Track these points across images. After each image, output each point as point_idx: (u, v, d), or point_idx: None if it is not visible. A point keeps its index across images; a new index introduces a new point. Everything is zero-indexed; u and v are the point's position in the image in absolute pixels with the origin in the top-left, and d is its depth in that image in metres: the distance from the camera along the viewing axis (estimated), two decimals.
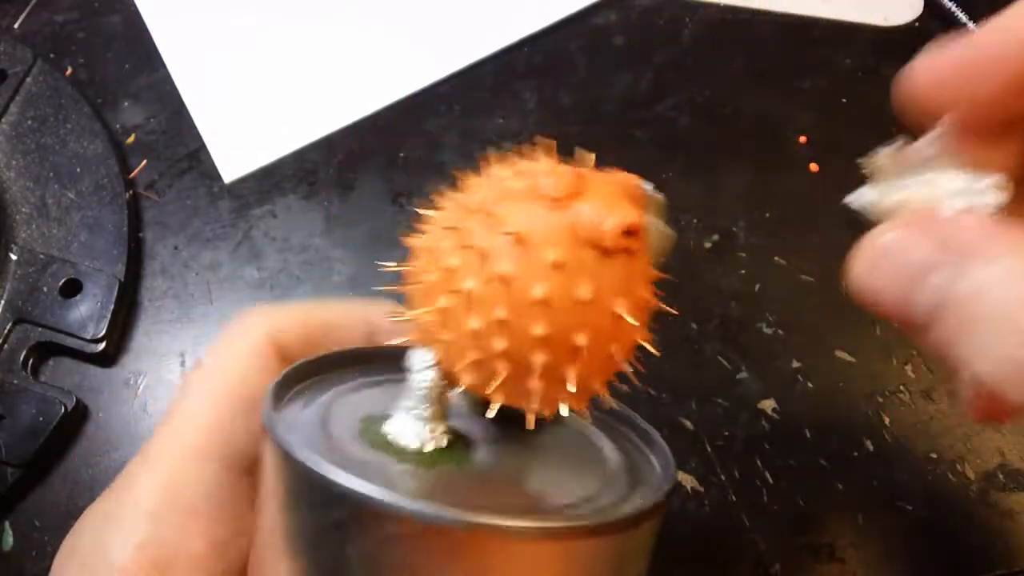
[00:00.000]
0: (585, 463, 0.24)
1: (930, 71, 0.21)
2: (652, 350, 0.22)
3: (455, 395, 0.23)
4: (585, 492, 0.22)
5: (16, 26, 0.50)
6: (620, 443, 0.27)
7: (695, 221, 0.43)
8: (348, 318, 0.28)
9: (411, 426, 0.23)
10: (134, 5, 0.51)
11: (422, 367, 0.22)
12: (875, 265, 0.20)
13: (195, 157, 0.46)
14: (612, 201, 0.21)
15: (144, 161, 0.46)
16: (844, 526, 0.36)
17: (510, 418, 0.23)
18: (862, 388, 0.39)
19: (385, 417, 0.24)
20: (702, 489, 0.37)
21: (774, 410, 0.39)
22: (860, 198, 0.21)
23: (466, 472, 0.23)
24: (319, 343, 0.27)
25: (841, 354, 0.40)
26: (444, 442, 0.23)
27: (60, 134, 0.45)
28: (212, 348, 0.27)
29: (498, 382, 0.21)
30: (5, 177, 0.44)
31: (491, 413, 0.22)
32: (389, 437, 0.23)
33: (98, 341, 0.39)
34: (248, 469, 0.24)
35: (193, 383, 0.26)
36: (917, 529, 0.36)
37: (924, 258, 0.19)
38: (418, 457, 0.23)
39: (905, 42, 0.49)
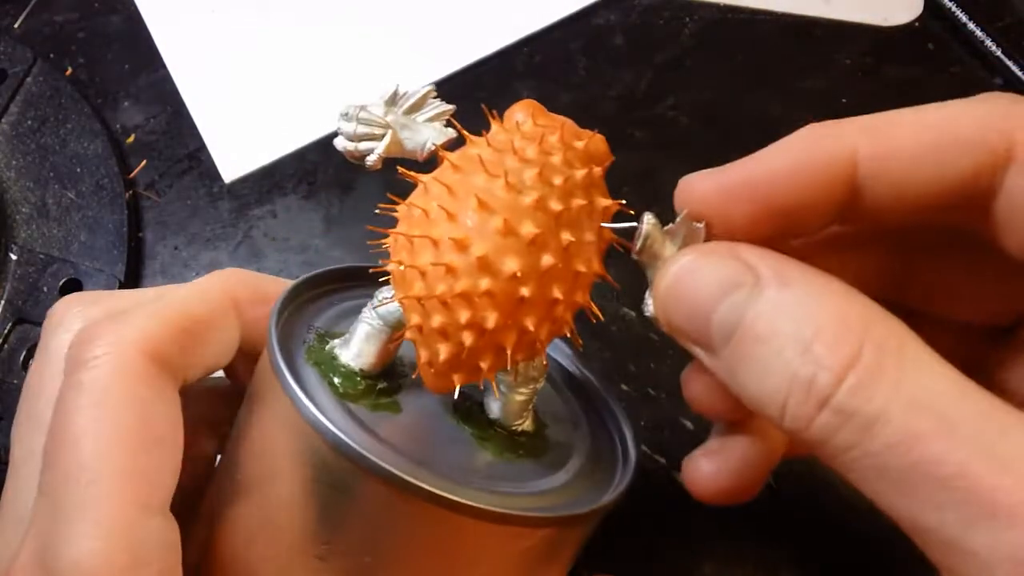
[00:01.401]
0: (554, 446, 0.26)
1: (701, 189, 0.22)
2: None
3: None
4: (543, 478, 0.24)
5: (16, 26, 0.50)
6: (596, 431, 0.27)
7: None
8: (212, 303, 0.25)
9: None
10: (134, 5, 0.51)
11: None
12: (678, 285, 0.21)
13: (195, 157, 0.46)
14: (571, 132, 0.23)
15: (144, 161, 0.46)
16: (846, 526, 0.36)
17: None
18: None
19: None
20: None
21: None
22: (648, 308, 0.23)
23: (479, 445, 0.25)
24: (199, 337, 0.25)
25: None
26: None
27: (60, 134, 0.45)
28: (80, 368, 0.23)
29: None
30: (5, 177, 0.44)
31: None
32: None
33: None
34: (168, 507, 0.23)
35: (78, 424, 0.22)
36: None
37: (724, 279, 0.20)
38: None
39: (905, 42, 0.49)
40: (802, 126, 0.23)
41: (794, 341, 0.19)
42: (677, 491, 0.37)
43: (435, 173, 0.22)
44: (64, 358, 0.24)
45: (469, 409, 0.24)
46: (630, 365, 0.39)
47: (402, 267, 0.22)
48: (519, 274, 0.20)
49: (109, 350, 0.23)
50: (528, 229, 0.20)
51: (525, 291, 0.20)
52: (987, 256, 0.22)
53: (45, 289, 0.40)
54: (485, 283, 0.20)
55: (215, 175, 0.46)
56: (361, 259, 0.43)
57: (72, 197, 0.43)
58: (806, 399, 0.18)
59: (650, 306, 0.22)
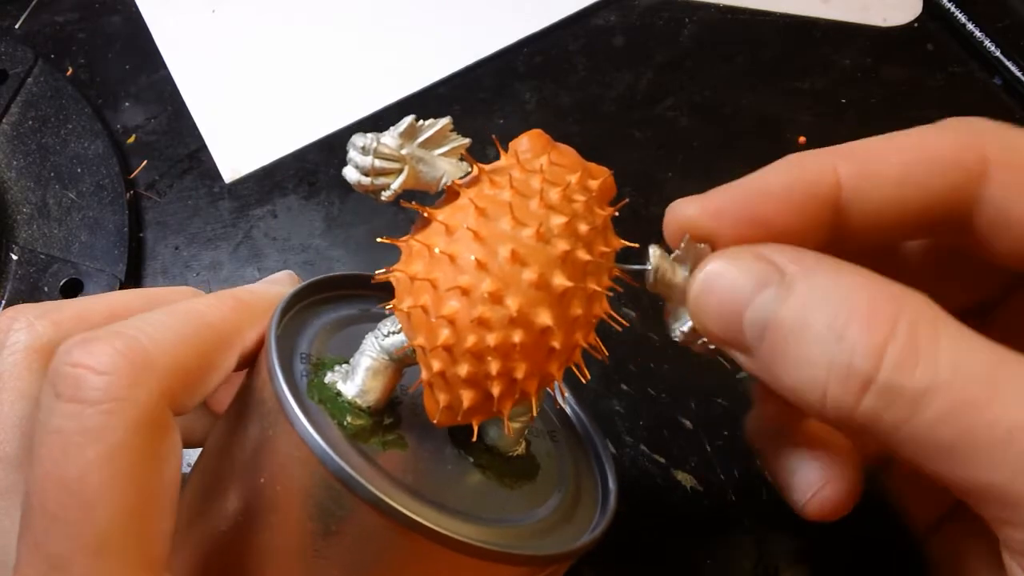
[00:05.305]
0: (538, 482, 0.26)
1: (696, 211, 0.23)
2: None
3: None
4: (527, 511, 0.24)
5: (17, 26, 0.50)
6: (580, 468, 0.28)
7: None
8: (225, 346, 0.23)
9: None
10: (135, 5, 0.51)
11: None
12: (708, 292, 0.22)
13: (196, 157, 0.46)
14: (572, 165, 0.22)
15: (145, 161, 0.46)
16: (845, 525, 0.36)
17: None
18: None
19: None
20: (702, 489, 0.37)
21: None
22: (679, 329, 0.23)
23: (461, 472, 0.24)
24: (207, 381, 0.23)
25: None
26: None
27: (61, 134, 0.45)
28: (85, 404, 0.20)
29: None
30: (6, 177, 0.44)
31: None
32: None
33: None
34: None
35: (91, 483, 0.20)
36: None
37: (751, 279, 0.21)
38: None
39: (904, 42, 0.49)
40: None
41: (827, 329, 0.19)
42: (677, 491, 0.37)
43: (451, 212, 0.22)
44: (55, 374, 0.20)
45: (467, 434, 0.24)
46: (630, 365, 0.40)
47: (425, 312, 0.21)
48: (552, 327, 0.20)
49: (129, 394, 0.20)
50: (560, 282, 0.20)
51: (556, 343, 0.21)
52: (959, 262, 0.24)
53: (46, 289, 0.40)
54: (518, 336, 0.20)
55: (215, 175, 0.46)
56: (362, 259, 0.43)
57: (73, 197, 0.43)
58: (846, 384, 0.19)
59: (675, 330, 0.23)
